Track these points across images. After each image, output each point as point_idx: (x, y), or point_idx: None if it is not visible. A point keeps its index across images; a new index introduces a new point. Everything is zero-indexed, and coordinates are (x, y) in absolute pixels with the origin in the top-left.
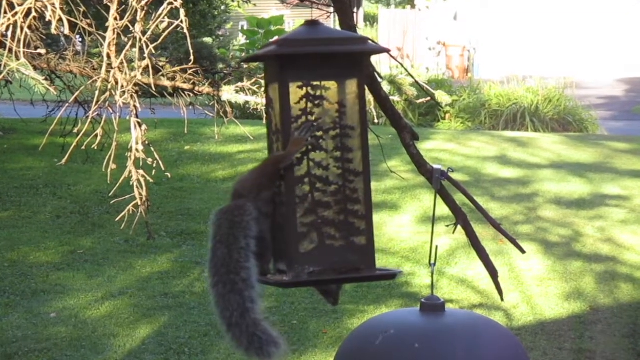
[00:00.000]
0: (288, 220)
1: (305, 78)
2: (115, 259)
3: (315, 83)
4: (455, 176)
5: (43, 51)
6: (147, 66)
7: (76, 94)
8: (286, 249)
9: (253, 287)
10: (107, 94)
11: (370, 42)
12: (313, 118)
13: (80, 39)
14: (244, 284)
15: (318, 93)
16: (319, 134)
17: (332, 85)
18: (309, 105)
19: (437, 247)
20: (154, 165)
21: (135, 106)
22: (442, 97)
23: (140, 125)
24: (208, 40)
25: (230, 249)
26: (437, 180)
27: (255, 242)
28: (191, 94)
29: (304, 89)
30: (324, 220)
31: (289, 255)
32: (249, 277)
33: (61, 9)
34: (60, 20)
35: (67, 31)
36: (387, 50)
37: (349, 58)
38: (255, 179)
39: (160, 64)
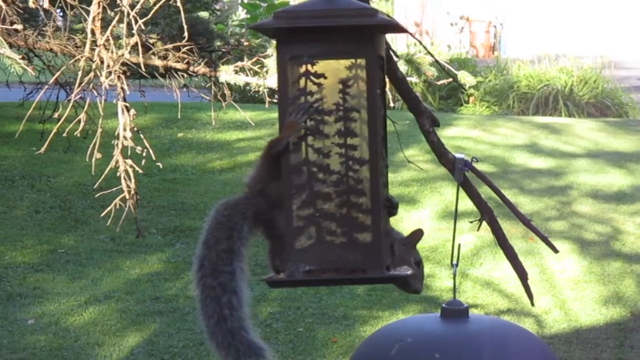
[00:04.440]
0: (283, 213)
1: (305, 54)
2: (101, 259)
3: (316, 60)
4: (480, 166)
5: (20, 27)
6: (136, 43)
7: (57, 74)
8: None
9: (234, 292)
10: (92, 74)
11: (381, 15)
12: (313, 99)
13: (62, 13)
14: (221, 289)
15: (319, 71)
16: (319, 117)
17: (335, 63)
18: (309, 84)
19: (459, 245)
20: (144, 154)
21: (122, 88)
22: (465, 78)
23: (128, 110)
24: (204, 14)
25: (210, 250)
26: (459, 171)
27: (246, 241)
28: (185, 75)
29: (303, 66)
30: (323, 213)
31: (283, 251)
32: (228, 282)
33: None
34: None
35: (46, 4)
36: (397, 24)
37: (356, 33)
38: (256, 170)
39: (151, 41)
